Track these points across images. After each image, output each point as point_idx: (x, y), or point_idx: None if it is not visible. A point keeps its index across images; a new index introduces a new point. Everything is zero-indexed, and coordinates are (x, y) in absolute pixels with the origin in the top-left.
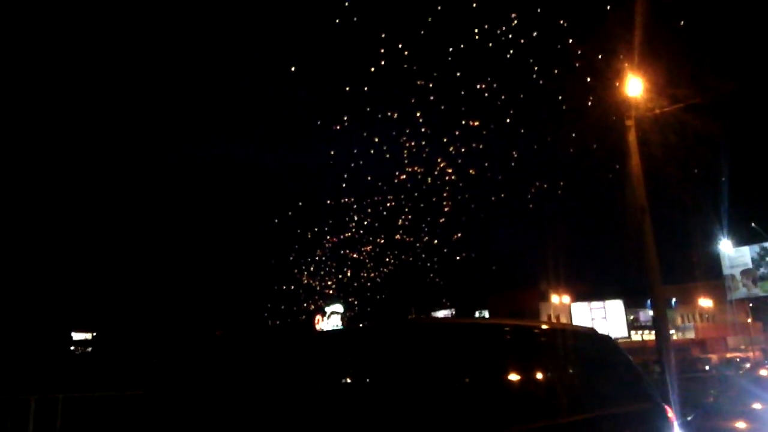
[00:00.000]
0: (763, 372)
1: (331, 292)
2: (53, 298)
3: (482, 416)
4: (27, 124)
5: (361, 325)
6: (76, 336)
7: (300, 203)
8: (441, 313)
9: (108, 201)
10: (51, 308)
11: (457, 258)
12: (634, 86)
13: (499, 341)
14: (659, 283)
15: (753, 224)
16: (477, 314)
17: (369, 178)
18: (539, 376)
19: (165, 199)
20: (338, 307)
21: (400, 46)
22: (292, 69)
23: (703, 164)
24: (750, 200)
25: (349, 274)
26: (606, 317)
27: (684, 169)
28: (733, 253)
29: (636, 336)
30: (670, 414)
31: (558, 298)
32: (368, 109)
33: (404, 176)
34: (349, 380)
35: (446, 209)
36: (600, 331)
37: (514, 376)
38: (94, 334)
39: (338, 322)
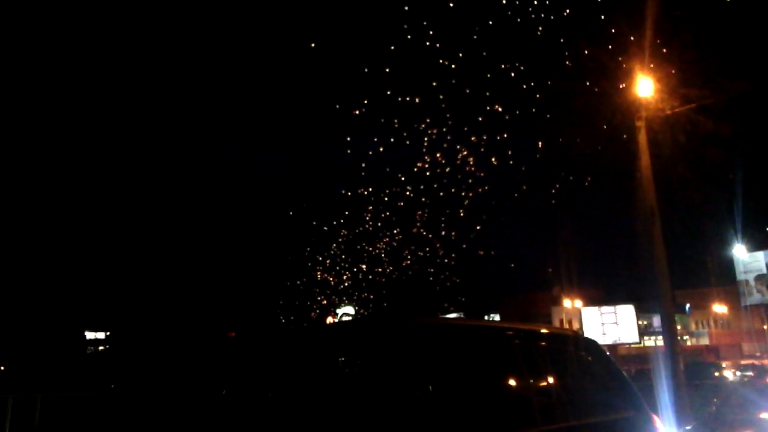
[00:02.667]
0: None
1: (345, 285)
2: (67, 297)
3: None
4: (45, 123)
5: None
6: (90, 335)
7: (315, 193)
8: (452, 316)
9: (121, 200)
10: (65, 307)
11: (478, 253)
12: (644, 86)
13: (472, 343)
14: (669, 288)
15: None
16: (487, 317)
17: (387, 169)
18: (512, 381)
19: (178, 197)
20: (350, 310)
21: (424, 23)
22: (312, 45)
23: (716, 167)
24: (766, 204)
25: (364, 268)
26: (617, 322)
27: (697, 171)
28: (747, 258)
29: (650, 342)
30: (658, 423)
31: (570, 303)
32: (388, 93)
33: (425, 165)
34: (336, 377)
35: (465, 202)
36: (593, 336)
37: (486, 381)
38: (108, 333)
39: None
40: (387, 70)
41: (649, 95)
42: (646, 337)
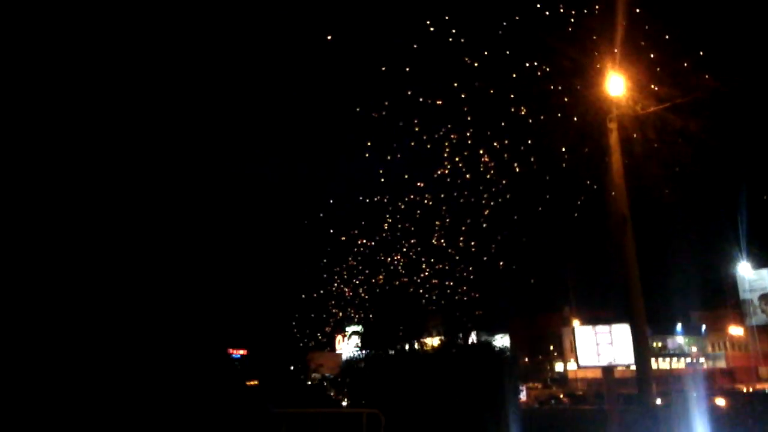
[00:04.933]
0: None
1: (361, 297)
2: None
3: None
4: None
5: None
6: None
7: (332, 202)
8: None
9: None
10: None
11: (498, 266)
12: (615, 85)
13: None
14: (640, 301)
15: None
16: (499, 337)
17: (406, 176)
18: None
19: (189, 205)
20: (358, 329)
21: (446, 17)
22: (329, 38)
23: (719, 180)
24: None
25: (381, 280)
26: (612, 342)
27: (673, 174)
28: (753, 276)
29: (664, 364)
30: None
31: (578, 323)
32: (409, 93)
33: (445, 172)
34: None
35: (486, 212)
36: (587, 358)
37: None
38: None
39: (359, 342)
40: (407, 69)
41: (620, 94)
42: (660, 359)
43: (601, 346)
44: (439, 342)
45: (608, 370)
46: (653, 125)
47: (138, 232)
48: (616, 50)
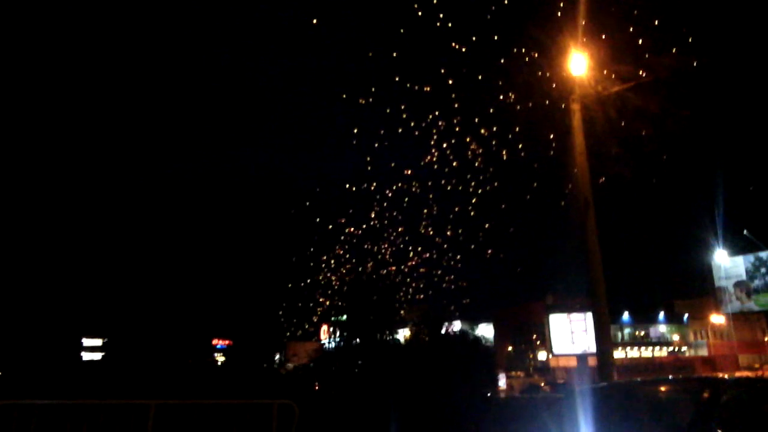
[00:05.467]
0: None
1: (348, 287)
2: (65, 303)
3: None
4: (38, 134)
5: None
6: (87, 342)
7: (318, 190)
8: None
9: (119, 207)
10: (62, 314)
11: (486, 254)
12: (578, 65)
13: None
14: (602, 287)
15: (745, 232)
16: (483, 326)
17: (393, 164)
18: None
19: (176, 198)
20: (343, 318)
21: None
22: (314, 21)
23: (697, 166)
24: (746, 206)
25: (369, 269)
26: (587, 330)
27: (636, 156)
28: (728, 264)
29: (647, 352)
30: None
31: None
32: (397, 79)
33: (432, 159)
34: None
35: (474, 200)
36: (562, 346)
37: None
38: (105, 339)
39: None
40: (395, 54)
41: (583, 74)
42: (643, 348)
43: (575, 334)
44: (409, 332)
45: (582, 357)
46: (618, 106)
47: (123, 225)
48: (579, 28)
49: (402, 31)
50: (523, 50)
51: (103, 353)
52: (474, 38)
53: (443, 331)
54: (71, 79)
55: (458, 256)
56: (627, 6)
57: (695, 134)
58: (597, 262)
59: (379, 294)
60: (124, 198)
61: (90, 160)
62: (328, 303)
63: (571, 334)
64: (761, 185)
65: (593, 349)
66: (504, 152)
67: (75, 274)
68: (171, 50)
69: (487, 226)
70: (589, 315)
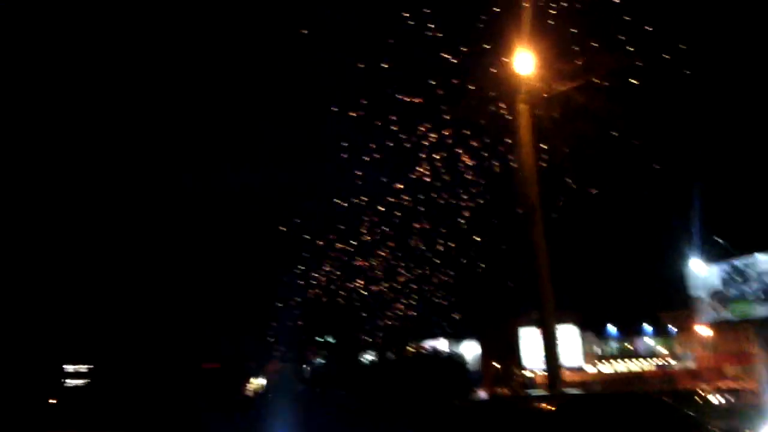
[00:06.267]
0: None
1: (340, 303)
2: (46, 328)
3: None
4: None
5: None
6: (70, 368)
7: (307, 206)
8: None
9: (103, 227)
10: (43, 339)
11: (477, 270)
12: (525, 63)
13: None
14: (550, 297)
15: (717, 238)
16: (467, 344)
17: (384, 179)
18: None
19: (160, 217)
20: (330, 339)
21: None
22: (305, 32)
23: (672, 173)
24: (723, 214)
25: (360, 286)
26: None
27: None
28: (704, 273)
29: (633, 365)
30: None
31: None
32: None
33: (424, 172)
34: None
35: (466, 213)
36: (533, 360)
37: None
38: (91, 366)
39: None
40: (386, 66)
41: (530, 72)
42: (629, 361)
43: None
44: (374, 355)
45: None
46: (569, 106)
47: (108, 245)
48: (525, 25)
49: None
50: (470, 49)
51: (87, 380)
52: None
53: (413, 351)
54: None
55: (450, 272)
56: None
57: (670, 140)
58: (544, 269)
59: (342, 317)
60: (107, 217)
61: (67, 175)
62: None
63: (542, 347)
64: (737, 191)
65: (565, 363)
66: (496, 164)
67: (57, 300)
68: (153, 55)
69: (478, 239)
70: (561, 328)
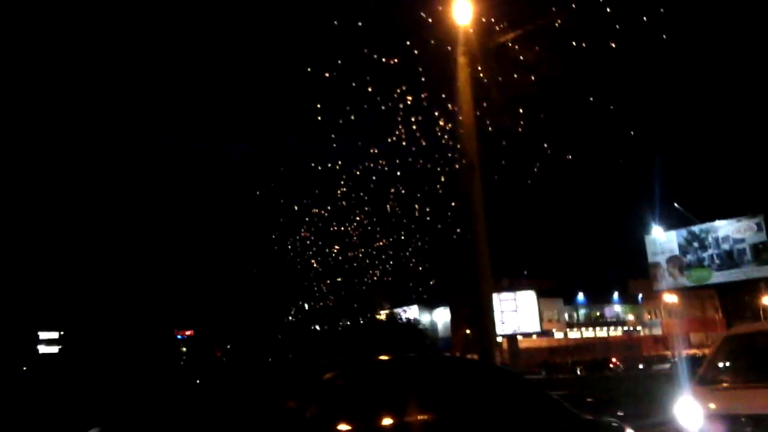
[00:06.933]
0: None
1: (315, 271)
2: (20, 296)
3: None
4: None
5: None
6: (44, 335)
7: (282, 170)
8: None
9: (74, 193)
10: (18, 306)
11: (452, 236)
12: (463, 11)
13: None
14: (487, 262)
15: (676, 205)
16: (440, 311)
17: (359, 143)
18: None
19: (134, 184)
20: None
21: None
22: None
23: (631, 138)
24: (683, 181)
25: (336, 251)
26: (517, 309)
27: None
28: (663, 239)
29: (602, 332)
30: None
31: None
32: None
33: (401, 136)
34: None
35: (442, 178)
36: None
37: None
38: (62, 332)
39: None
40: (360, 24)
41: (468, 23)
42: (598, 328)
43: (505, 314)
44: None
45: (512, 338)
46: (515, 59)
47: (81, 212)
48: None
49: None
50: None
51: (60, 346)
52: None
53: (369, 317)
54: None
55: (426, 238)
56: None
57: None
58: (482, 233)
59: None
60: (80, 184)
61: (42, 149)
62: (293, 288)
63: (501, 314)
64: (697, 159)
65: (523, 329)
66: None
67: (30, 265)
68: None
69: (453, 204)
70: (519, 294)
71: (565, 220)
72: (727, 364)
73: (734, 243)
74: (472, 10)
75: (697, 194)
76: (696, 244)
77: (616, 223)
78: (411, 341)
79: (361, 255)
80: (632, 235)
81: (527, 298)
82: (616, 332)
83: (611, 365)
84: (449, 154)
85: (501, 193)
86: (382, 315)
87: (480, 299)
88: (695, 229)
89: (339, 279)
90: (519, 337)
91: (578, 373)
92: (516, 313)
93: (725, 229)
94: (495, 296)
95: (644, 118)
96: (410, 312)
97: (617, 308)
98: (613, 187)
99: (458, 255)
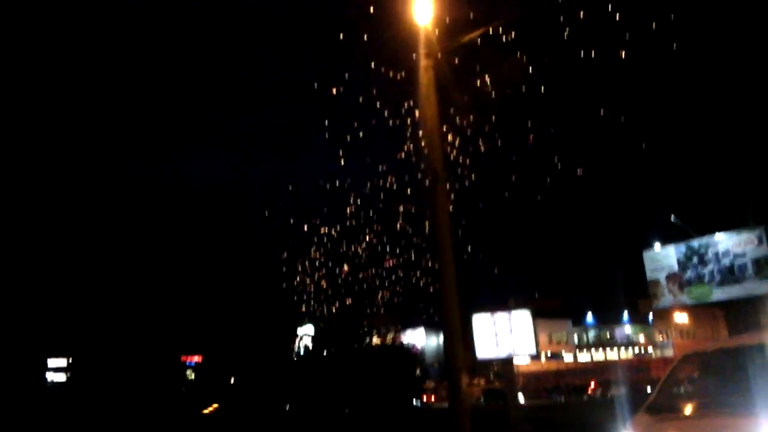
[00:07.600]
0: None
1: (325, 291)
2: (29, 322)
3: None
4: None
5: None
6: (52, 363)
7: (291, 189)
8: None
9: (82, 216)
10: (26, 333)
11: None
12: (426, 12)
13: None
14: (452, 277)
15: (673, 217)
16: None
17: (368, 159)
18: None
19: (143, 209)
20: (309, 329)
21: None
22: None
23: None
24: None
25: (345, 271)
26: (512, 330)
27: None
28: (661, 255)
29: (612, 354)
30: None
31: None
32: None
33: (409, 151)
34: None
35: (452, 195)
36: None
37: None
38: (70, 360)
39: (309, 344)
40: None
41: (429, 24)
42: (608, 350)
43: (500, 335)
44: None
45: (508, 361)
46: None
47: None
48: None
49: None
50: None
51: (68, 374)
52: None
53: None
54: None
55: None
56: None
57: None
58: (446, 247)
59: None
60: (86, 208)
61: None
62: (303, 309)
63: (495, 335)
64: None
65: (519, 351)
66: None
67: (38, 291)
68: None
69: (463, 222)
70: (515, 314)
71: (571, 241)
72: (681, 389)
73: (735, 258)
74: (433, 9)
75: (694, 205)
76: (695, 260)
77: (619, 241)
78: (398, 368)
79: (370, 275)
80: (637, 252)
81: (522, 318)
82: (627, 354)
83: (589, 391)
84: (458, 170)
85: (509, 213)
86: (376, 339)
87: (445, 322)
88: (694, 243)
89: (348, 301)
90: (526, 360)
91: (561, 398)
92: (511, 334)
93: (725, 242)
94: (489, 316)
95: (643, 123)
96: (415, 334)
97: (627, 329)
98: (618, 204)
99: (460, 275)
